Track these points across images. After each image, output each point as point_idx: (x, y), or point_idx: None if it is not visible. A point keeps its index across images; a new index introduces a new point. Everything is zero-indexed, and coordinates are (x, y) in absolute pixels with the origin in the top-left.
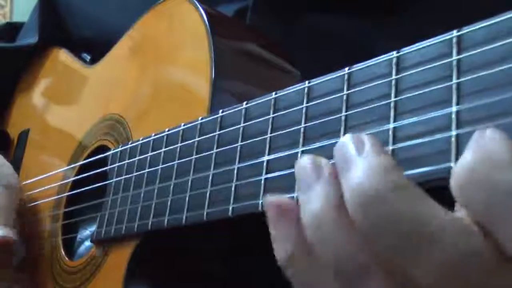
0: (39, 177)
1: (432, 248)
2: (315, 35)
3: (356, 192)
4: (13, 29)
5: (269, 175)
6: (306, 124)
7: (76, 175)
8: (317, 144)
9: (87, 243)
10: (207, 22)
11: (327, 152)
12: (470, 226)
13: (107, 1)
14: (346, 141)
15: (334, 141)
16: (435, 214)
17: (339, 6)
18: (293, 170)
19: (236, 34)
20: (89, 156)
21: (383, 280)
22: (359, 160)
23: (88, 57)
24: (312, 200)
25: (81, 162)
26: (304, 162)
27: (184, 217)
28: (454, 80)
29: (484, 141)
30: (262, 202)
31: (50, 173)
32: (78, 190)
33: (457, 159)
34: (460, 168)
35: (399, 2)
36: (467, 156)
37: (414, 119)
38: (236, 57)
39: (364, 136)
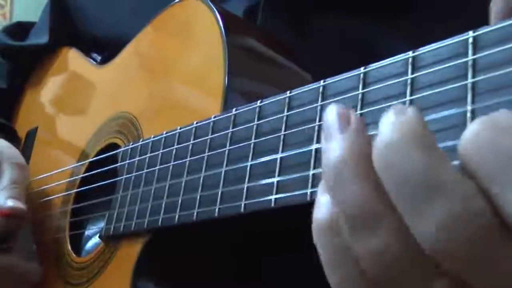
0: (47, 174)
1: (437, 199)
2: (327, 36)
3: (379, 143)
4: (23, 29)
5: (282, 173)
6: (321, 122)
7: (86, 172)
8: None
9: (95, 239)
10: (221, 24)
11: None
12: (475, 187)
13: (120, 2)
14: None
15: None
16: (447, 168)
17: (352, 6)
18: (305, 168)
19: (249, 36)
20: (99, 154)
21: (391, 231)
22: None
23: (98, 57)
24: (336, 147)
25: (91, 159)
26: (331, 113)
27: (195, 213)
28: (470, 79)
29: (491, 114)
30: (274, 199)
31: (59, 170)
32: (87, 187)
33: None
34: (466, 134)
35: (412, 3)
36: (474, 124)
37: (430, 117)
38: (249, 59)
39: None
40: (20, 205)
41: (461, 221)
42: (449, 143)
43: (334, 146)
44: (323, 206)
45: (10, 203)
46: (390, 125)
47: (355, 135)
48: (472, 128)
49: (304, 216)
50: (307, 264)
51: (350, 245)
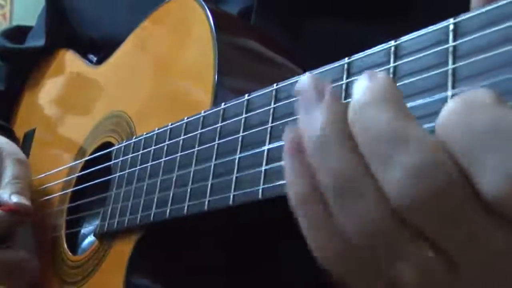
0: (45, 174)
1: (403, 151)
2: (321, 39)
3: (352, 107)
4: (22, 32)
5: (269, 164)
6: None
7: (81, 171)
8: None
9: (90, 238)
10: (211, 21)
11: None
12: (445, 156)
13: (115, 3)
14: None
15: None
16: (414, 124)
17: (345, 10)
18: None
19: (240, 33)
20: (94, 153)
21: (373, 196)
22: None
23: (94, 58)
24: (314, 118)
25: (85, 158)
26: (305, 83)
27: (186, 207)
28: (450, 66)
29: (467, 92)
30: (262, 189)
31: (55, 170)
32: (82, 186)
33: None
34: (442, 112)
35: (406, 5)
36: (450, 102)
37: (412, 104)
38: (240, 56)
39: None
40: (24, 201)
41: (425, 171)
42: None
43: (312, 117)
44: (301, 176)
45: (14, 198)
46: (362, 89)
47: (331, 104)
48: (448, 106)
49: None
50: (299, 255)
51: (333, 212)
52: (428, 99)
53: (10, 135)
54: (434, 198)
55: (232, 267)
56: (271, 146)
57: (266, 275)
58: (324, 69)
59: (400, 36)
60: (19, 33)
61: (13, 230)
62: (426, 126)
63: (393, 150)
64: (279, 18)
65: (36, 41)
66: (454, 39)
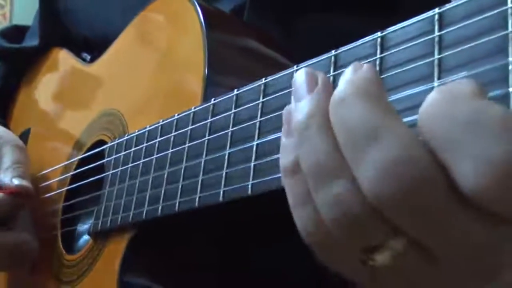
0: (40, 173)
1: (377, 144)
2: (315, 35)
3: (333, 99)
4: (20, 32)
5: (258, 159)
6: None
7: (75, 170)
8: None
9: (85, 236)
10: (202, 18)
11: None
12: (421, 151)
13: (109, 3)
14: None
15: None
16: (390, 118)
17: (337, 5)
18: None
19: (232, 30)
20: (88, 151)
21: (345, 184)
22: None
23: (88, 57)
24: (303, 105)
25: (79, 157)
26: (300, 75)
27: (177, 204)
28: (436, 56)
29: (449, 83)
30: (251, 185)
31: (50, 169)
32: (75, 185)
33: None
34: (424, 104)
35: (401, 1)
36: (432, 93)
37: (399, 95)
38: (231, 52)
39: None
40: (26, 183)
41: (397, 168)
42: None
43: (302, 105)
44: (287, 150)
45: (16, 181)
46: (345, 82)
47: (321, 94)
48: (429, 97)
49: (284, 205)
50: (291, 252)
51: (311, 191)
52: (415, 90)
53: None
54: (407, 195)
55: (225, 265)
56: (260, 141)
57: (259, 271)
58: (311, 62)
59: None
60: (16, 32)
61: (14, 213)
62: (412, 118)
63: (367, 145)
64: (271, 15)
65: (32, 41)
66: (440, 29)
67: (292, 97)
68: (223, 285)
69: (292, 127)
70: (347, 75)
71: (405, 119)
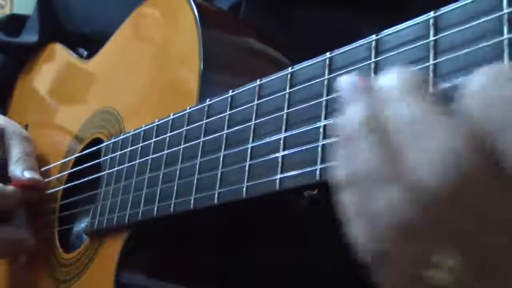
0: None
1: (428, 139)
2: (312, 32)
3: (381, 100)
4: (17, 20)
5: (253, 161)
6: (289, 110)
7: (72, 168)
8: (299, 130)
9: (83, 235)
10: (196, 15)
11: (309, 137)
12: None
13: None
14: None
15: (316, 126)
16: (438, 112)
17: (336, 1)
18: (276, 155)
19: (227, 26)
20: (84, 150)
21: (397, 191)
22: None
23: (85, 53)
24: (348, 114)
25: (75, 155)
26: (344, 84)
27: (172, 205)
28: (431, 61)
29: (491, 66)
30: (246, 187)
31: (47, 167)
32: (72, 183)
33: None
34: (471, 86)
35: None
36: (477, 76)
37: None
38: (226, 49)
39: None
40: (37, 176)
41: (451, 158)
42: None
43: (351, 114)
44: (339, 164)
45: (28, 174)
46: (389, 80)
47: (366, 100)
48: (477, 80)
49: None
50: (292, 253)
51: (365, 200)
52: None
53: None
54: (459, 186)
55: (222, 264)
56: (255, 144)
57: (257, 272)
58: (306, 64)
59: (390, 25)
60: (15, 23)
61: (20, 206)
62: None
63: (420, 139)
64: (268, 10)
65: (31, 35)
66: (435, 34)
67: (343, 106)
68: (221, 286)
69: (343, 138)
70: (390, 75)
71: None
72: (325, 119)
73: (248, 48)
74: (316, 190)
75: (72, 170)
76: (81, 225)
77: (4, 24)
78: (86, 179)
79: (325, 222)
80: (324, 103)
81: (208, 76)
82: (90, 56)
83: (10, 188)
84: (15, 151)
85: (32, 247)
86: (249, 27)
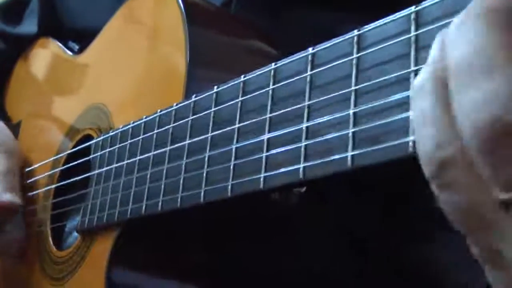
0: (29, 168)
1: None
2: (302, 30)
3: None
4: (20, 4)
5: (238, 161)
6: (272, 108)
7: (64, 165)
8: (283, 129)
9: (75, 233)
10: (183, 10)
11: (293, 135)
12: None
13: None
14: None
15: (298, 127)
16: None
17: (327, 1)
18: (260, 155)
19: (215, 21)
20: (75, 146)
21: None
22: None
23: (76, 47)
24: None
25: (66, 153)
26: None
27: (160, 203)
28: (412, 57)
29: None
30: (231, 185)
31: (38, 164)
32: (64, 182)
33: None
34: None
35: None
36: None
37: (373, 99)
38: (213, 44)
39: None
40: (16, 199)
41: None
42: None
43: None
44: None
45: (6, 196)
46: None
47: None
48: None
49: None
50: (281, 253)
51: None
52: (391, 94)
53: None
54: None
55: (213, 261)
56: (239, 144)
57: (246, 268)
58: (289, 60)
59: None
60: (17, 7)
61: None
62: (396, 117)
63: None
64: (259, 7)
65: (31, 25)
66: (416, 29)
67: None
68: (212, 282)
69: None
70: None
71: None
72: (307, 119)
73: (237, 43)
74: (304, 188)
75: (63, 167)
76: (74, 222)
77: (6, 9)
78: (75, 178)
79: (314, 219)
80: (307, 100)
81: (195, 71)
82: (81, 50)
83: None
84: None
85: (21, 252)
86: (240, 22)
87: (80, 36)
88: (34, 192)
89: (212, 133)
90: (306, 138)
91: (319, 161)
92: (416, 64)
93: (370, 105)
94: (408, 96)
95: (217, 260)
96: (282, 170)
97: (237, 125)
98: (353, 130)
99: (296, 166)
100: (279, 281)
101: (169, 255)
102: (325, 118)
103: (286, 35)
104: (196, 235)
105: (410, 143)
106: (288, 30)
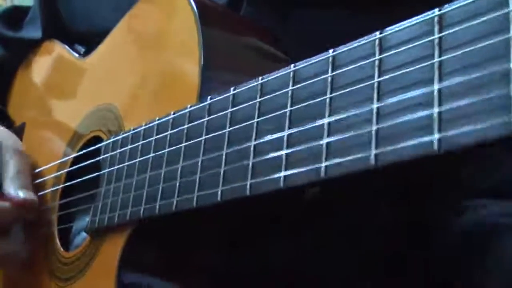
0: (36, 170)
1: None
2: (313, 30)
3: None
4: (19, 13)
5: (256, 159)
6: (292, 108)
7: (71, 166)
8: (302, 127)
9: (83, 234)
10: (196, 11)
11: (312, 135)
12: None
13: None
14: None
15: (319, 124)
16: None
17: (337, 1)
18: (279, 153)
19: (227, 23)
20: (83, 148)
21: None
22: None
23: (82, 49)
24: None
25: (74, 154)
26: None
27: (174, 203)
28: (436, 59)
29: None
30: (250, 184)
31: (45, 167)
32: (72, 182)
33: (439, 132)
34: None
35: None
36: None
37: (398, 98)
38: (226, 46)
39: None
40: (31, 196)
41: None
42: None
43: None
44: None
45: (21, 194)
46: None
47: None
48: None
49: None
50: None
51: None
52: (414, 93)
53: (4, 117)
54: None
55: (227, 267)
56: (257, 142)
57: (263, 268)
58: (309, 62)
59: (388, 24)
60: (16, 15)
61: (12, 224)
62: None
63: None
64: (269, 7)
65: (34, 30)
66: (440, 31)
67: None
68: (225, 283)
69: None
70: None
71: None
72: (328, 116)
73: (248, 45)
74: (318, 188)
75: (71, 169)
76: (81, 223)
77: (7, 16)
78: (85, 177)
79: (325, 220)
80: (328, 101)
81: (209, 73)
82: (87, 53)
83: (5, 204)
84: (10, 168)
85: (23, 261)
86: (248, 24)
87: (85, 39)
88: (43, 192)
89: (229, 129)
90: (328, 136)
91: (340, 160)
92: (440, 66)
93: (392, 101)
94: (431, 94)
95: (232, 260)
96: (302, 169)
97: (255, 124)
98: (376, 127)
99: (317, 165)
100: (292, 281)
101: (182, 254)
102: (346, 115)
103: (294, 37)
104: (209, 234)
105: (434, 141)
106: (297, 32)
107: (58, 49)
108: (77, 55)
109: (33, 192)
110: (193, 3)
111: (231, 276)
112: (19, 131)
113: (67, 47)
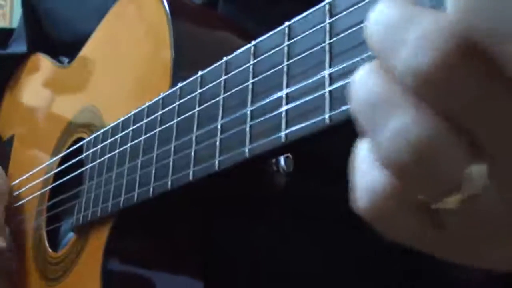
0: (23, 177)
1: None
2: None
3: None
4: (4, 34)
5: (223, 135)
6: (253, 80)
7: (57, 169)
8: (265, 100)
9: (70, 233)
10: (167, 8)
11: (273, 104)
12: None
13: (84, 6)
14: None
15: (279, 94)
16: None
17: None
18: (242, 127)
19: (199, 18)
20: (67, 150)
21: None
22: None
23: (66, 60)
24: None
25: (59, 156)
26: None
27: (151, 189)
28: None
29: None
30: (218, 162)
31: (33, 171)
32: (57, 183)
33: None
34: None
35: None
36: None
37: (348, 59)
38: (197, 38)
39: None
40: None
41: (434, 40)
42: None
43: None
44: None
45: None
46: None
47: None
48: None
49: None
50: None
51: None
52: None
53: None
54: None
55: (207, 246)
56: (224, 120)
57: (242, 254)
58: (267, 36)
59: None
60: (1, 36)
61: None
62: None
63: (404, 29)
64: (245, 5)
65: (20, 45)
66: (330, 18)
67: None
68: (208, 270)
69: None
70: None
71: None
72: (286, 86)
73: (223, 44)
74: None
75: (56, 170)
76: (69, 223)
77: None
78: (68, 177)
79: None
80: (285, 70)
81: (181, 63)
82: (70, 62)
83: None
84: None
85: (13, 272)
86: (224, 22)
87: (69, 49)
88: (29, 197)
89: (198, 109)
90: (286, 104)
91: (299, 126)
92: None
93: (344, 65)
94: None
95: (211, 245)
96: (265, 140)
97: (221, 101)
98: (328, 89)
99: (277, 134)
100: (272, 270)
101: (165, 242)
102: (303, 83)
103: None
104: (189, 221)
105: None
106: (275, 27)
107: (43, 62)
108: (61, 65)
109: (3, 235)
110: (165, 3)
111: (214, 262)
112: (7, 144)
113: (50, 58)
